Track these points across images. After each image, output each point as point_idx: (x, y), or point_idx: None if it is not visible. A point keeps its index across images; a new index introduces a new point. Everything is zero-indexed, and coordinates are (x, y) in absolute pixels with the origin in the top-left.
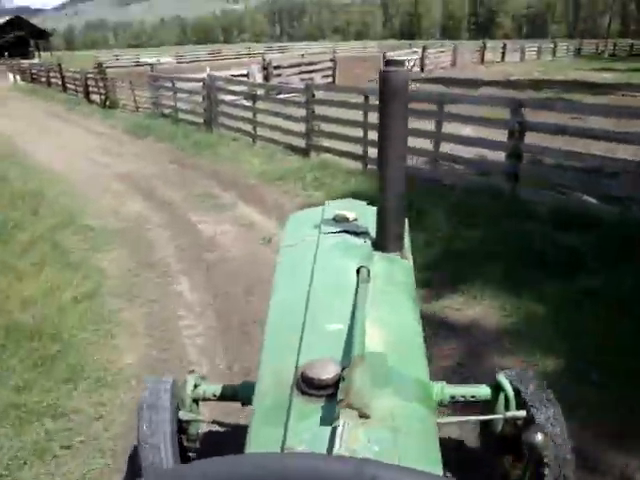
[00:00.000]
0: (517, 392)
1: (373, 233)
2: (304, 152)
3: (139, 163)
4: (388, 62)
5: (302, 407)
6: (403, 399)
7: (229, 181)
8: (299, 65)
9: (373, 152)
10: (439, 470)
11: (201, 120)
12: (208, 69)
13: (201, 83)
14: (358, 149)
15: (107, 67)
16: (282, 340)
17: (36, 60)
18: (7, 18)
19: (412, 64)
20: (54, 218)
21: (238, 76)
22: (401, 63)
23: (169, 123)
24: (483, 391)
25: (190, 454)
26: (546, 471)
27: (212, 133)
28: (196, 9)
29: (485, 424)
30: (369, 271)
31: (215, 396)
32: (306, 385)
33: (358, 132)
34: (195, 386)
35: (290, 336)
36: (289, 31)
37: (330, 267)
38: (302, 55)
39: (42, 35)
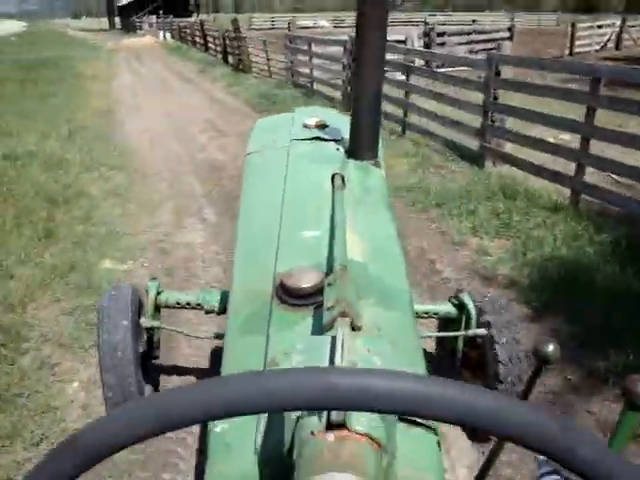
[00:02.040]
0: (480, 311)
1: (345, 141)
2: (475, 159)
3: (241, 148)
4: None
5: (283, 316)
6: (387, 309)
7: None
8: (468, 33)
9: (594, 176)
10: (424, 372)
11: (339, 94)
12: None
13: (342, 47)
14: (567, 166)
15: (259, 29)
16: (256, 248)
17: (192, 19)
18: None
19: (606, 39)
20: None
21: (392, 42)
22: None
23: (301, 95)
24: (446, 308)
25: (153, 361)
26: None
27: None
28: None
29: (444, 340)
30: (344, 178)
31: (178, 303)
32: (286, 295)
33: (567, 138)
34: (158, 293)
35: (265, 244)
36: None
37: (303, 173)
38: (473, 21)
39: None
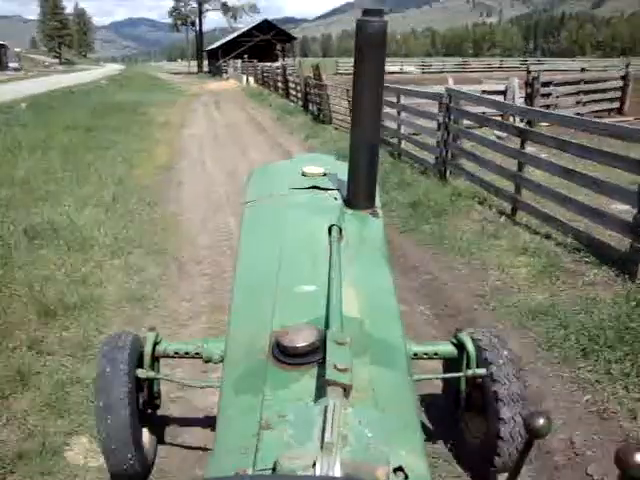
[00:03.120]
0: (479, 350)
1: (344, 190)
2: (624, 264)
3: None
4: (366, 11)
5: (278, 375)
6: (381, 367)
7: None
8: (577, 82)
9: None
10: (419, 435)
11: (431, 158)
12: (451, 81)
13: (437, 101)
14: None
15: (345, 74)
16: (253, 302)
17: (277, 63)
18: (255, 23)
19: None
20: None
21: (491, 93)
22: (379, 12)
23: (387, 156)
24: (446, 349)
25: (150, 411)
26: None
27: (445, 185)
28: (448, 22)
29: (448, 381)
30: (341, 229)
31: (177, 353)
32: (281, 353)
33: None
34: (156, 343)
35: (261, 298)
36: (543, 46)
37: (300, 225)
38: (582, 69)
39: (288, 39)
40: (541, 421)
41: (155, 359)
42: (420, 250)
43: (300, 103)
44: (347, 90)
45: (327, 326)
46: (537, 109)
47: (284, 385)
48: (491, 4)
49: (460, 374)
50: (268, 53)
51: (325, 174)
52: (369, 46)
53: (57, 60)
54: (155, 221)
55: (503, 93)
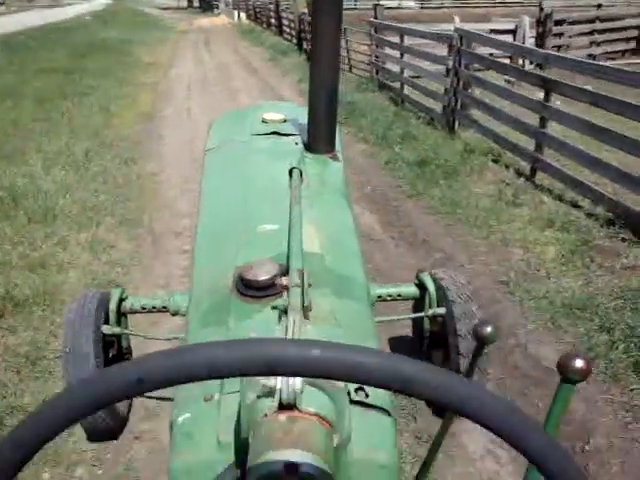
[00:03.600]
0: (440, 290)
1: (304, 135)
2: None
3: None
4: None
5: (242, 308)
6: (342, 298)
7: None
8: (592, 21)
9: None
10: None
11: (439, 107)
12: (457, 19)
13: (446, 44)
14: None
15: None
16: (216, 244)
17: None
18: None
19: None
20: None
21: (500, 32)
22: None
23: (388, 102)
24: (409, 290)
25: None
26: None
27: (453, 138)
28: None
29: (414, 321)
30: (302, 172)
31: (143, 308)
32: (245, 287)
33: None
34: (122, 299)
35: (224, 239)
36: None
37: (261, 169)
38: (598, 6)
39: None
40: (489, 329)
41: (122, 315)
42: (430, 220)
43: (294, 42)
44: (344, 29)
45: (289, 261)
46: (573, 58)
47: (248, 316)
48: None
49: (422, 314)
50: None
51: (285, 120)
52: None
53: None
54: (131, 183)
55: (513, 32)
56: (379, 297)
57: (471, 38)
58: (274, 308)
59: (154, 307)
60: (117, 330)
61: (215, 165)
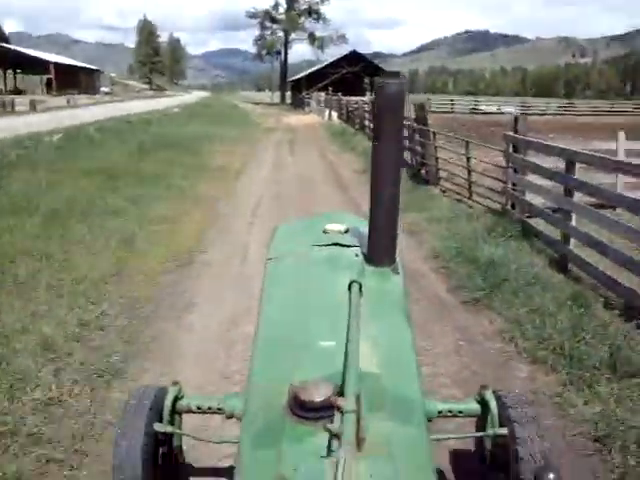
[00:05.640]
0: (502, 408)
1: (364, 247)
2: None
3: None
4: (385, 73)
5: (294, 430)
6: (397, 423)
7: None
8: None
9: None
10: None
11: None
12: (622, 136)
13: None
14: None
15: (437, 112)
16: (273, 357)
17: (365, 98)
18: (344, 53)
19: None
20: None
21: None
22: (397, 74)
23: (543, 262)
24: (470, 407)
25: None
26: None
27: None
28: (538, 61)
29: (478, 439)
30: (361, 286)
31: (198, 408)
32: (299, 408)
33: None
34: (177, 398)
35: (281, 353)
36: None
37: (321, 281)
38: None
39: (377, 73)
40: (551, 476)
41: (176, 414)
42: None
43: None
44: (466, 143)
45: (344, 381)
46: None
47: (300, 439)
48: (584, 44)
49: (481, 433)
50: (354, 87)
51: (347, 231)
52: (387, 109)
53: (148, 86)
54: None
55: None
56: (439, 412)
57: None
58: (327, 431)
59: (209, 407)
60: (169, 429)
61: (275, 275)
